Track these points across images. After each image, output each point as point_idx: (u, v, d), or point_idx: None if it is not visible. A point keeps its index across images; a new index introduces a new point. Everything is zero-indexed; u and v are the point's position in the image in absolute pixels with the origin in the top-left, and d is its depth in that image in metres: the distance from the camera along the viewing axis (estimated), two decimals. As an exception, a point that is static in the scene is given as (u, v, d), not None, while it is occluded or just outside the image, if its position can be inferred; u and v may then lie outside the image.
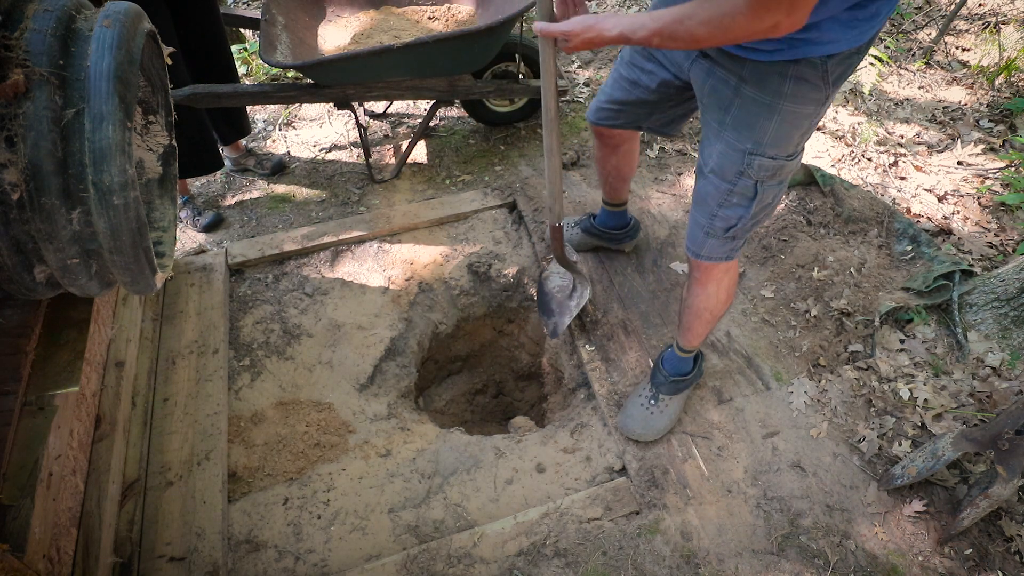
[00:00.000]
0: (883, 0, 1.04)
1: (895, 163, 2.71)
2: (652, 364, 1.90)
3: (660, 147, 2.79)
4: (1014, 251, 2.28)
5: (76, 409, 1.44)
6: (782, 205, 2.45)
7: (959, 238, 2.34)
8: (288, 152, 2.87)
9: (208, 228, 2.48)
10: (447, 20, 2.61)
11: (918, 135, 2.91)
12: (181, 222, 2.49)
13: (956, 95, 3.19)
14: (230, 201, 2.63)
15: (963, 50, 3.54)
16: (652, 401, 1.78)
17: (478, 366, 2.64)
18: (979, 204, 2.51)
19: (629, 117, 1.69)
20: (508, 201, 2.52)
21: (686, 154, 2.79)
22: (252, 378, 1.99)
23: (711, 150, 1.34)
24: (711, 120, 1.32)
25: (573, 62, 3.37)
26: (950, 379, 1.89)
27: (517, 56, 2.53)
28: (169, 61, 1.50)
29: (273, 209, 2.59)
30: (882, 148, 2.78)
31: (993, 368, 1.88)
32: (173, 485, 1.66)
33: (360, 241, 2.39)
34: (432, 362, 2.46)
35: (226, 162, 2.71)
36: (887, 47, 3.53)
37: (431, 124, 2.97)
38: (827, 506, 1.67)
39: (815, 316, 2.08)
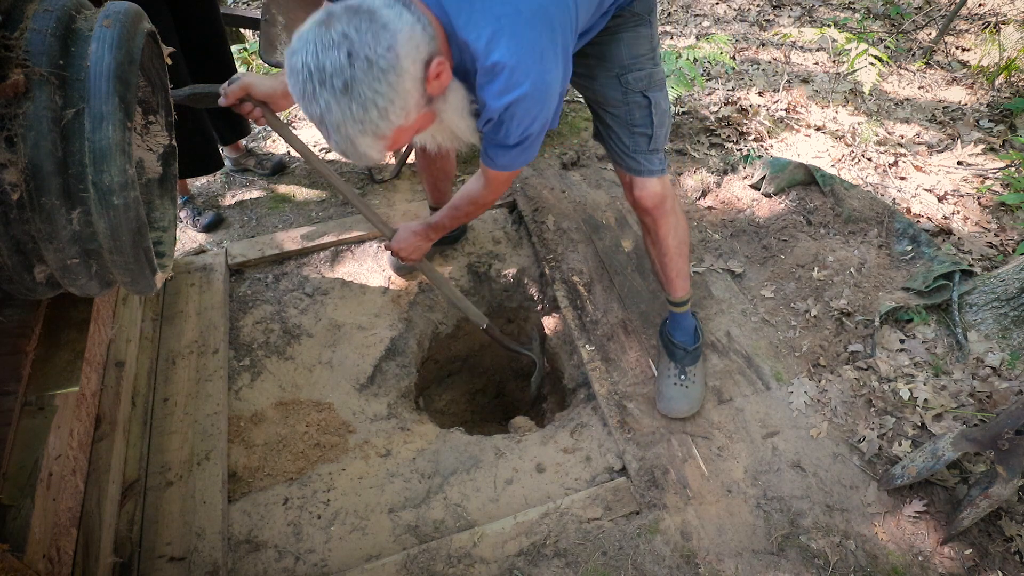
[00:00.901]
0: None
1: (895, 163, 2.71)
2: (660, 343, 1.96)
3: (660, 147, 2.79)
4: (1014, 251, 2.28)
5: (76, 409, 1.43)
6: (782, 205, 2.45)
7: (959, 238, 2.34)
8: (288, 152, 2.87)
9: (208, 228, 2.48)
10: (447, 20, 2.60)
11: (918, 135, 2.91)
12: (181, 222, 2.49)
13: (956, 95, 3.19)
14: (230, 201, 2.64)
15: (963, 50, 3.54)
16: (682, 376, 1.84)
17: (478, 366, 2.65)
18: (979, 204, 2.51)
19: None
20: (508, 201, 2.52)
21: (685, 154, 2.79)
22: (252, 378, 1.99)
23: (596, 91, 1.59)
24: (580, 70, 1.56)
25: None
26: (950, 379, 1.89)
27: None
28: (169, 61, 1.50)
29: (273, 209, 2.59)
30: (882, 148, 2.78)
31: (993, 368, 1.88)
32: (173, 485, 1.66)
33: (360, 241, 2.39)
34: (432, 362, 2.46)
35: (226, 162, 2.71)
36: (887, 47, 3.54)
37: (431, 124, 2.97)
38: (827, 506, 1.67)
39: (815, 316, 2.08)
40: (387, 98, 0.99)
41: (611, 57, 1.53)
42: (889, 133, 2.91)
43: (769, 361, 1.99)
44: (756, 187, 2.56)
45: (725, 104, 3.03)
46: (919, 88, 3.26)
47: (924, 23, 3.79)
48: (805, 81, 3.26)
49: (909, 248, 2.24)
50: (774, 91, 3.14)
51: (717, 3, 4.11)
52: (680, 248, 1.79)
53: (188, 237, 2.47)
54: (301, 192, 2.67)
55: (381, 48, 0.96)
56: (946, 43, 3.58)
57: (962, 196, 2.54)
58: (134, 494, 1.62)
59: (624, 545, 1.60)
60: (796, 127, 2.92)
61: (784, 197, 2.48)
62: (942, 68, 3.40)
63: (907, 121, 3.01)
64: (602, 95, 1.59)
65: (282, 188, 2.68)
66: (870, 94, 3.14)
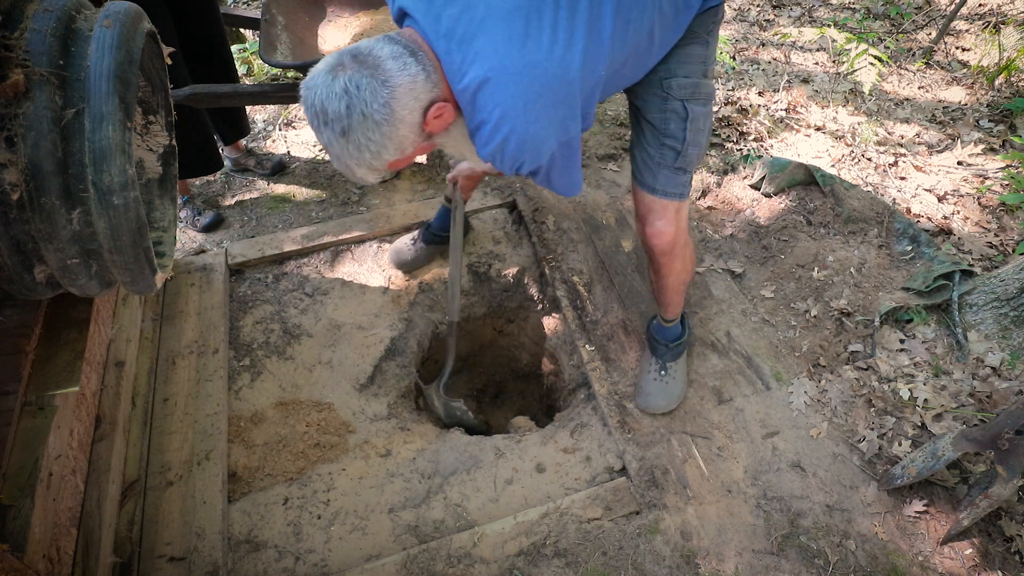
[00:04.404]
0: None
1: (895, 163, 2.71)
2: (646, 338, 1.97)
3: (660, 147, 2.79)
4: (1014, 251, 2.28)
5: (76, 409, 1.43)
6: (782, 205, 2.45)
7: (959, 238, 2.34)
8: (288, 152, 2.87)
9: (208, 228, 2.48)
10: (447, 20, 2.60)
11: (918, 135, 2.91)
12: (181, 222, 2.49)
13: (956, 95, 3.19)
14: (230, 201, 2.64)
15: (963, 50, 3.54)
16: (662, 372, 1.86)
17: (478, 366, 2.65)
18: (979, 204, 2.51)
19: None
20: (508, 201, 2.52)
21: (686, 154, 2.79)
22: (252, 378, 1.99)
23: (638, 94, 1.52)
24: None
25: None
26: (950, 379, 1.89)
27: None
28: (169, 61, 1.50)
29: (273, 209, 2.59)
30: (882, 148, 2.78)
31: (993, 368, 1.88)
32: (173, 485, 1.66)
33: (360, 241, 2.39)
34: (432, 362, 2.46)
35: (226, 162, 2.71)
36: (887, 47, 3.54)
37: (431, 124, 2.97)
38: (827, 506, 1.67)
39: (815, 316, 2.08)
40: (380, 144, 1.12)
41: (658, 64, 1.48)
42: (889, 133, 2.91)
43: (769, 361, 1.99)
44: (756, 187, 2.56)
45: (725, 104, 3.03)
46: (919, 88, 3.26)
47: (924, 23, 3.79)
48: (805, 81, 3.26)
49: (909, 248, 2.24)
50: (774, 91, 3.14)
51: (717, 3, 4.11)
52: (680, 286, 1.76)
53: (188, 237, 2.47)
54: (301, 192, 2.67)
55: (377, 104, 1.08)
56: (946, 43, 3.58)
57: (962, 196, 2.54)
58: (134, 494, 1.62)
59: (624, 545, 1.60)
60: (796, 127, 2.92)
61: (784, 197, 2.48)
62: (942, 68, 3.40)
63: (907, 121, 3.01)
64: (642, 98, 1.53)
65: (282, 188, 2.68)
66: (870, 94, 3.14)
